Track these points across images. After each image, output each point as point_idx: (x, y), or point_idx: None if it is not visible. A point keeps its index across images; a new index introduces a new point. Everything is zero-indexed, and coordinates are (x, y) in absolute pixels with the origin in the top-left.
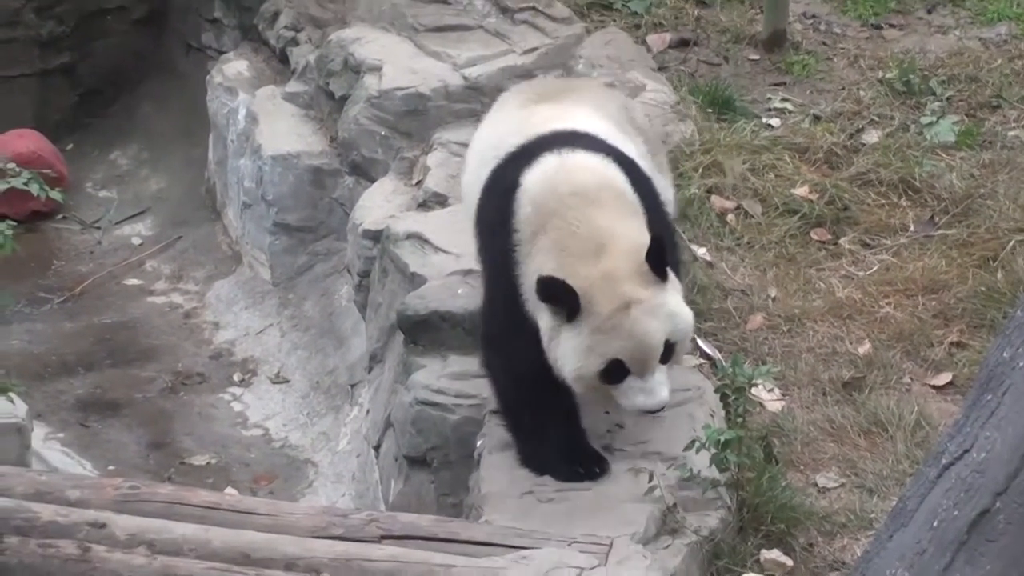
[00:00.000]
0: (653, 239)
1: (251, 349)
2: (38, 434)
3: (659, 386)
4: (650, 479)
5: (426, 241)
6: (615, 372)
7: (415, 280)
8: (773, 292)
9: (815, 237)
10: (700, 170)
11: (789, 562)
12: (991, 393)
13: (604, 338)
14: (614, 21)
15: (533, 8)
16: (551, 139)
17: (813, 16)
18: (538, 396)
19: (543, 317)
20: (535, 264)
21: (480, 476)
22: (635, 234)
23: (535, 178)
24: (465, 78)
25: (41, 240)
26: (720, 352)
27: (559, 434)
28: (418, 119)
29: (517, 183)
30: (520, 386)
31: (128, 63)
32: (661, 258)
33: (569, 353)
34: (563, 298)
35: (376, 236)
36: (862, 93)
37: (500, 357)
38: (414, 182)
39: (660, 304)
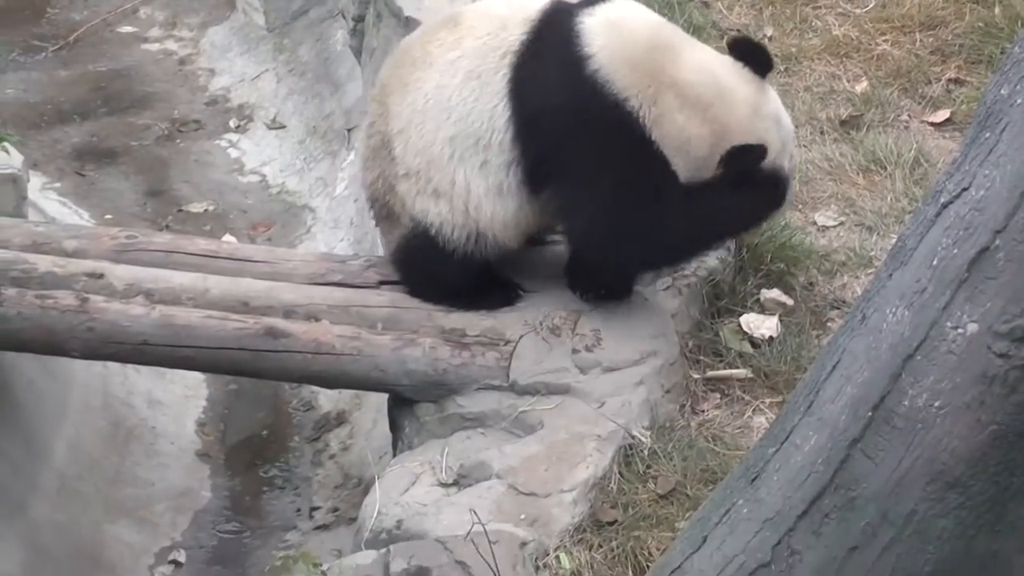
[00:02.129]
0: (739, 44)
1: (247, 95)
2: (34, 184)
3: None
4: None
5: None
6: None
7: (409, 24)
8: (769, 31)
9: None
10: None
11: (789, 301)
12: (989, 131)
13: (783, 164)
14: None
15: None
16: (563, 6)
17: None
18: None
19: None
20: (676, 125)
21: None
22: (717, 55)
23: (607, 43)
24: None
25: None
26: None
27: None
28: None
29: (584, 55)
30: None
31: None
32: (762, 57)
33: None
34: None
35: None
36: None
37: (654, 232)
38: None
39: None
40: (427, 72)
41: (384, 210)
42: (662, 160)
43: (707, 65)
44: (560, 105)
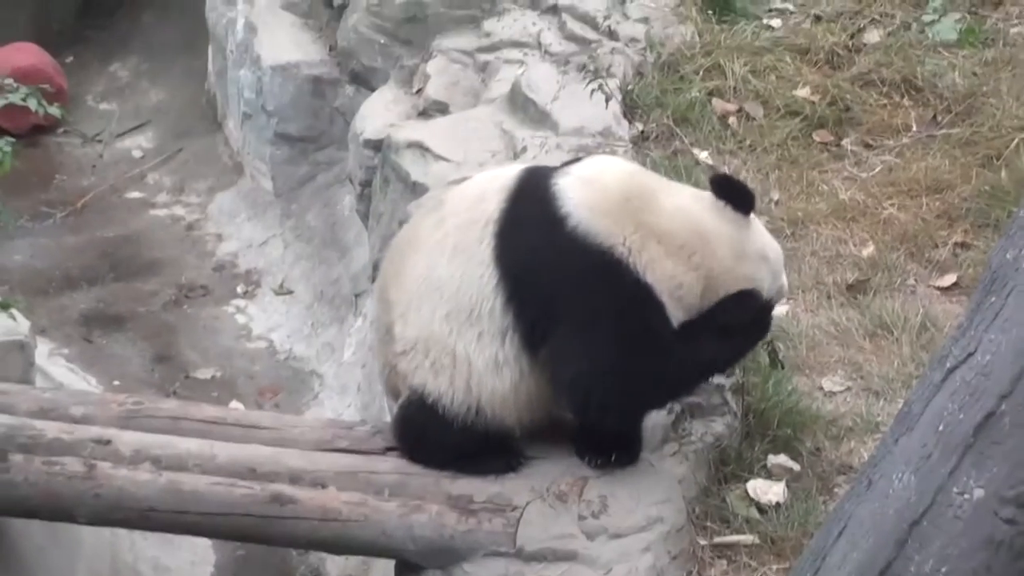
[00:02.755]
0: (720, 182)
1: (254, 261)
2: (42, 350)
3: None
4: None
5: (427, 149)
6: None
7: (417, 189)
8: (776, 195)
9: (817, 139)
10: (701, 73)
11: (796, 467)
12: (995, 295)
13: (771, 297)
14: None
15: None
16: (537, 171)
17: None
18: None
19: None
20: (667, 272)
21: None
22: (696, 195)
23: (583, 200)
24: None
25: (43, 154)
26: None
27: None
28: (417, 26)
29: (562, 214)
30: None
31: None
32: (743, 196)
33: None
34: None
35: (377, 145)
36: None
37: (640, 381)
38: (414, 90)
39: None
40: (417, 256)
41: (391, 389)
42: (656, 304)
43: (686, 210)
44: (545, 265)
